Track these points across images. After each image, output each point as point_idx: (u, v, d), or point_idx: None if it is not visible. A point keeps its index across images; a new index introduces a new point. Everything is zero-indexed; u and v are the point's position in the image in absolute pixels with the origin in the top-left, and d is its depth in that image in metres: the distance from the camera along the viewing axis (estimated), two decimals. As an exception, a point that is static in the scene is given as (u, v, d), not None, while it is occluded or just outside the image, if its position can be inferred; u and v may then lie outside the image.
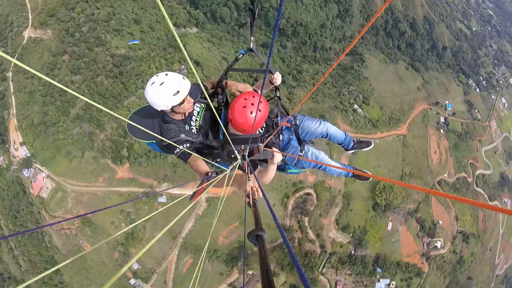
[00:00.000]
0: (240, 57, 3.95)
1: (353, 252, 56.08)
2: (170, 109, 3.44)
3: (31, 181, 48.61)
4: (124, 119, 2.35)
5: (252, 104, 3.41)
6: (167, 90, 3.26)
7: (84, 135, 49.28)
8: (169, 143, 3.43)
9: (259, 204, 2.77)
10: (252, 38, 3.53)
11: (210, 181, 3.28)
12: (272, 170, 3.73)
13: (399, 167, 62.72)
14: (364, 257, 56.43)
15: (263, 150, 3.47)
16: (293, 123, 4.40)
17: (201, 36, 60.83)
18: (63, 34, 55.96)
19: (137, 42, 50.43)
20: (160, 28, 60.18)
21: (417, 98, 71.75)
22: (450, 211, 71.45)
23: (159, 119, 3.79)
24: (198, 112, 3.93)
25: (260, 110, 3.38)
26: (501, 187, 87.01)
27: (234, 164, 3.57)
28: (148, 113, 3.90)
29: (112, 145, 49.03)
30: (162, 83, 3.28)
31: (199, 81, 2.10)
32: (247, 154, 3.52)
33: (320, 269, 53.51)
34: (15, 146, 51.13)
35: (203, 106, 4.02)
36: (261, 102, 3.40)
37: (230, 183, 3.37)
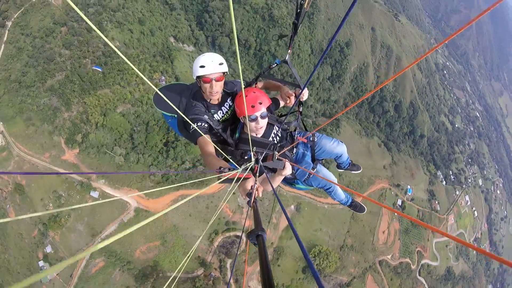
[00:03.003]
0: (273, 66, 3.86)
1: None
2: (196, 80, 3.56)
3: (-16, 131, 46.14)
4: (155, 88, 2.20)
5: (248, 91, 3.50)
6: (198, 61, 3.39)
7: (50, 107, 47.62)
8: (189, 118, 3.45)
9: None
10: (289, 51, 3.58)
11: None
12: (278, 180, 3.52)
13: (342, 237, 60.00)
14: (280, 317, 52.45)
15: (276, 159, 3.29)
16: (311, 139, 4.19)
17: (193, 56, 60.19)
18: (69, 7, 55.04)
19: (100, 69, 49.44)
20: (159, 35, 59.83)
21: (379, 175, 70.14)
22: (385, 293, 67.74)
23: (189, 95, 3.82)
24: (230, 106, 3.90)
25: (254, 92, 3.47)
26: (445, 281, 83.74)
27: (247, 165, 3.27)
28: (179, 89, 3.95)
29: (71, 126, 47.33)
30: (204, 55, 3.43)
31: (241, 80, 2.31)
32: (261, 158, 3.31)
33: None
34: (-16, 93, 48.64)
35: (233, 104, 3.95)
36: (254, 92, 3.48)
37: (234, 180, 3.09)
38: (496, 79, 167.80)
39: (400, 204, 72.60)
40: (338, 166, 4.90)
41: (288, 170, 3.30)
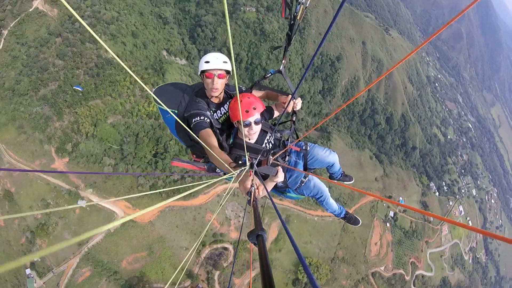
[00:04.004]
0: (268, 75, 3.96)
1: (260, 323, 50.85)
2: (200, 76, 3.67)
3: (-24, 138, 45.82)
4: (149, 91, 2.26)
5: (242, 96, 3.55)
6: (205, 57, 3.57)
7: (42, 116, 47.46)
8: (191, 113, 3.57)
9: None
10: (283, 61, 3.64)
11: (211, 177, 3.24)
12: (269, 187, 3.42)
13: (333, 249, 58.95)
14: (271, 331, 50.99)
15: (270, 164, 3.25)
16: (303, 148, 4.21)
17: (185, 69, 60.40)
18: (65, 18, 55.22)
19: (80, 89, 49.36)
20: (152, 48, 60.16)
21: (371, 187, 69.40)
22: (379, 307, 66.37)
23: (191, 93, 3.90)
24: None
25: (249, 97, 3.51)
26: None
27: (242, 168, 3.14)
28: (181, 87, 4.00)
29: (62, 136, 47.22)
30: (211, 53, 3.63)
31: (236, 86, 2.48)
32: (256, 162, 3.22)
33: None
34: (-23, 100, 48.44)
35: None
36: (249, 97, 3.52)
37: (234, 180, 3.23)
38: (488, 90, 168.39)
39: (392, 216, 71.69)
40: (331, 177, 4.82)
41: (280, 177, 3.27)
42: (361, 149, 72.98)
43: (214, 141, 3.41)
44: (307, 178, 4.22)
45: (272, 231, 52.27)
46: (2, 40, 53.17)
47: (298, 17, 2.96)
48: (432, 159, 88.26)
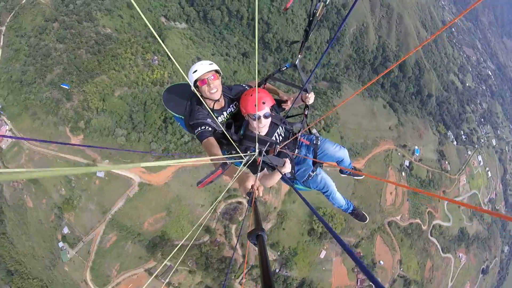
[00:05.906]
0: (283, 69, 3.86)
1: (277, 270, 50.95)
2: (194, 87, 3.55)
3: (-5, 131, 47.93)
4: (183, 78, 2.89)
5: (253, 91, 3.50)
6: (191, 70, 3.52)
7: (52, 100, 48.16)
8: (194, 122, 3.55)
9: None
10: (299, 56, 3.54)
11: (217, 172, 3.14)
12: (277, 177, 3.51)
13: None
14: (288, 278, 51.23)
15: (277, 155, 3.37)
16: (314, 142, 4.16)
17: (185, 33, 57.28)
18: (58, 2, 54.78)
19: (67, 87, 48.88)
20: (150, 16, 57.65)
21: (385, 136, 65.76)
22: (395, 253, 65.55)
23: (194, 100, 3.80)
24: (231, 112, 3.90)
25: (259, 92, 3.43)
26: (459, 241, 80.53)
27: (250, 154, 3.39)
28: (186, 91, 3.96)
29: (74, 115, 47.86)
30: (193, 64, 3.56)
31: (256, 65, 2.32)
32: (264, 150, 3.43)
33: (238, 278, 48.96)
34: (-10, 96, 50.26)
35: (237, 108, 3.97)
36: (259, 92, 3.43)
37: (235, 178, 3.13)
38: (508, 37, 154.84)
39: (408, 165, 68.45)
40: (341, 171, 4.79)
41: (287, 169, 3.29)
42: (374, 98, 68.39)
43: (215, 150, 3.35)
44: (315, 172, 4.14)
45: (284, 184, 50.81)
46: (2, 36, 53.46)
47: (317, 14, 2.82)
48: (450, 107, 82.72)
